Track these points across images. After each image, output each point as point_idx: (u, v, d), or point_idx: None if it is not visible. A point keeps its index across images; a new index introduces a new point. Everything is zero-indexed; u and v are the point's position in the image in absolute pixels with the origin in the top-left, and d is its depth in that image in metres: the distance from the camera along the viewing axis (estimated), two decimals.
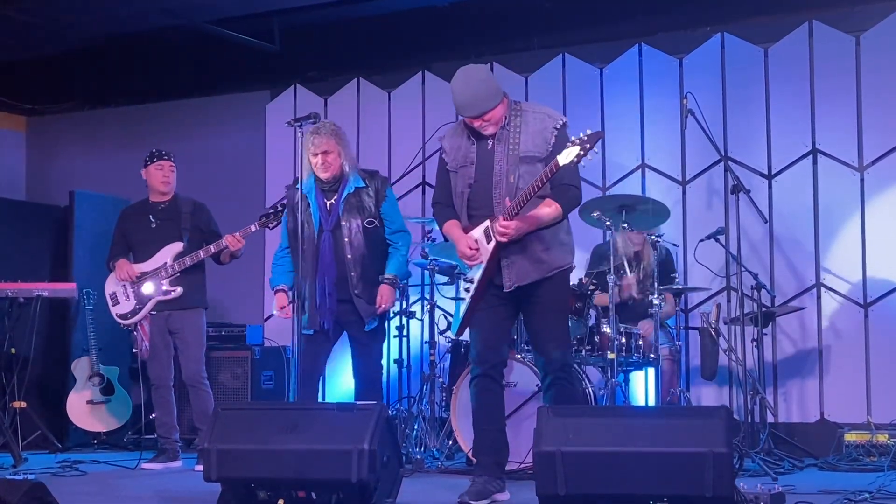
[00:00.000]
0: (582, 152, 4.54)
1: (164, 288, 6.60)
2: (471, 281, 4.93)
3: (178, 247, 6.63)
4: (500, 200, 4.82)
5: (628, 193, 6.95)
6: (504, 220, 4.72)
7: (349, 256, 5.74)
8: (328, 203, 5.83)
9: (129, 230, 6.79)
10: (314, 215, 5.79)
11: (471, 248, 4.86)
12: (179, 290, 6.58)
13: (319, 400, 5.87)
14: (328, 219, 5.80)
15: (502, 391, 5.07)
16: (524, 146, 4.84)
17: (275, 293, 6.01)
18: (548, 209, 4.83)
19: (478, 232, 4.89)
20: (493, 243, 4.81)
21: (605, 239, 6.77)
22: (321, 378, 5.97)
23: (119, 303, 6.71)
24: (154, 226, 6.70)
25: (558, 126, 4.89)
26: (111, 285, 6.76)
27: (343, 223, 5.77)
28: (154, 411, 6.83)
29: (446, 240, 5.21)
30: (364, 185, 5.85)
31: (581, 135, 4.58)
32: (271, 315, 8.45)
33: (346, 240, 5.75)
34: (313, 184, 5.83)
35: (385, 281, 5.83)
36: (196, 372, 6.64)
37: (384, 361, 7.52)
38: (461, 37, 8.15)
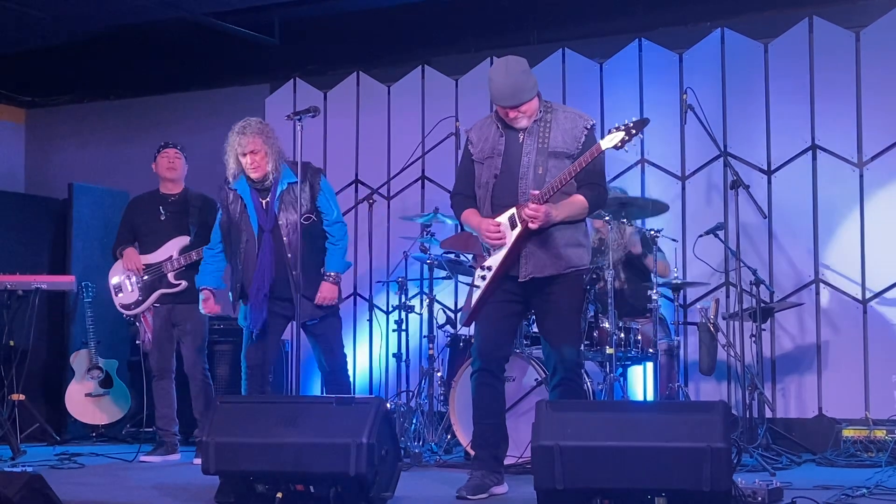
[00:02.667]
0: (627, 137, 4.65)
1: (169, 281, 6.62)
2: (488, 269, 4.93)
3: (184, 240, 6.66)
4: (525, 191, 4.84)
5: (624, 192, 6.93)
6: (534, 204, 4.73)
7: (289, 255, 5.71)
8: (264, 202, 5.83)
9: (137, 219, 6.81)
10: (251, 216, 5.81)
11: (494, 227, 4.87)
12: (184, 283, 6.60)
13: (269, 390, 5.91)
14: (266, 218, 5.80)
15: (503, 386, 5.09)
16: (554, 141, 4.89)
17: (200, 291, 6.07)
18: (578, 200, 4.88)
19: (502, 218, 4.89)
20: (517, 230, 4.82)
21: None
22: (272, 370, 6.03)
23: (122, 293, 6.73)
24: (163, 218, 6.73)
25: (588, 126, 4.96)
26: (115, 275, 6.78)
27: (280, 222, 5.76)
28: (153, 403, 6.84)
29: (462, 229, 5.20)
30: (296, 180, 5.81)
31: (626, 121, 4.65)
32: None
33: (284, 239, 5.73)
34: (246, 184, 5.86)
35: (327, 279, 5.85)
36: (198, 364, 6.66)
37: (382, 356, 7.55)
38: (461, 31, 8.15)
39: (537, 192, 4.74)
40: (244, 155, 5.80)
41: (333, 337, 5.97)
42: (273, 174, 5.82)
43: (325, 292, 5.85)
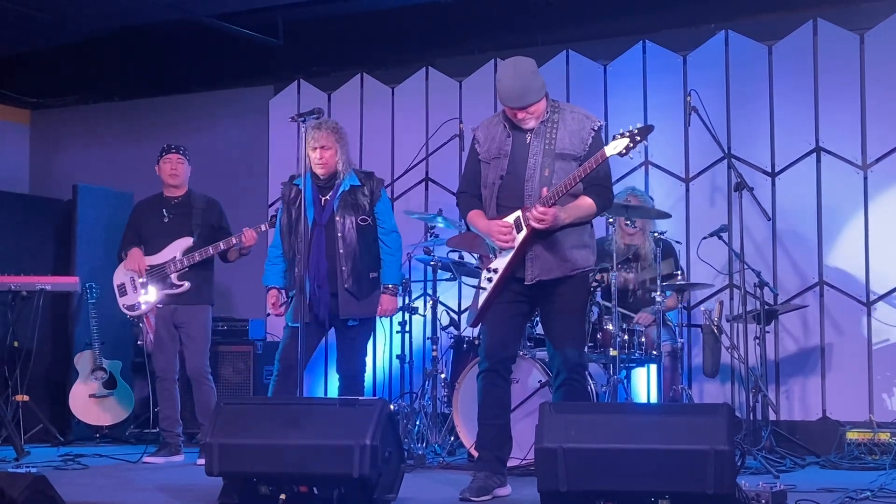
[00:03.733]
0: (631, 144, 4.61)
1: (173, 282, 6.63)
2: (494, 271, 4.92)
3: (187, 241, 6.67)
4: (531, 193, 4.83)
5: (643, 192, 6.95)
6: (542, 206, 4.72)
7: (341, 251, 5.80)
8: (323, 199, 5.87)
9: (141, 222, 6.83)
10: (308, 210, 5.82)
11: (506, 229, 4.85)
12: (187, 284, 6.62)
13: (299, 393, 5.90)
14: (321, 214, 5.84)
15: (509, 387, 5.10)
16: (561, 143, 4.86)
17: (267, 291, 6.07)
18: (586, 203, 4.86)
19: (508, 221, 4.87)
20: (523, 233, 4.81)
21: (607, 233, 6.75)
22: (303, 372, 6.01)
23: (126, 294, 6.75)
24: (167, 220, 6.75)
25: (595, 128, 4.93)
26: (119, 276, 6.80)
27: (337, 219, 5.82)
28: (157, 405, 6.85)
29: (468, 229, 5.20)
30: (360, 184, 5.91)
31: (631, 127, 4.63)
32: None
33: (339, 234, 5.80)
34: (310, 180, 5.88)
35: (386, 291, 5.92)
36: (200, 366, 6.67)
37: (386, 357, 7.56)
38: (465, 33, 8.15)
39: (547, 192, 4.73)
40: (314, 150, 5.86)
41: (363, 343, 6.01)
42: (341, 172, 5.87)
43: (386, 304, 5.95)
